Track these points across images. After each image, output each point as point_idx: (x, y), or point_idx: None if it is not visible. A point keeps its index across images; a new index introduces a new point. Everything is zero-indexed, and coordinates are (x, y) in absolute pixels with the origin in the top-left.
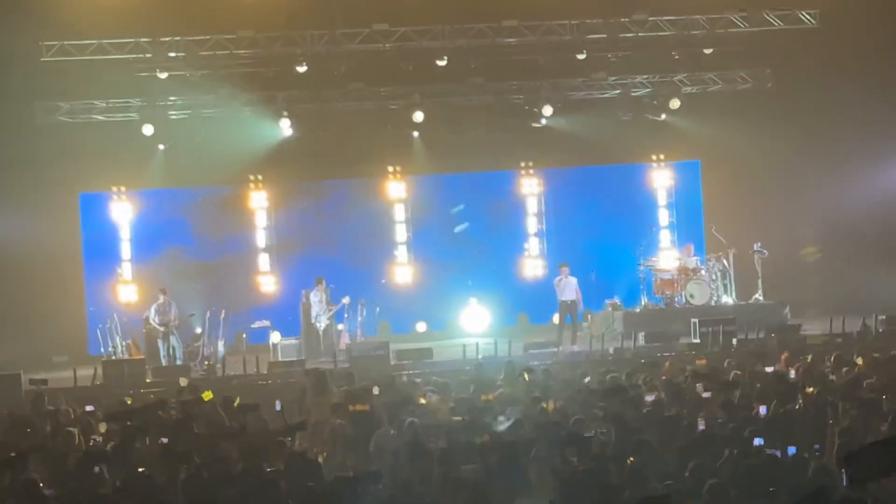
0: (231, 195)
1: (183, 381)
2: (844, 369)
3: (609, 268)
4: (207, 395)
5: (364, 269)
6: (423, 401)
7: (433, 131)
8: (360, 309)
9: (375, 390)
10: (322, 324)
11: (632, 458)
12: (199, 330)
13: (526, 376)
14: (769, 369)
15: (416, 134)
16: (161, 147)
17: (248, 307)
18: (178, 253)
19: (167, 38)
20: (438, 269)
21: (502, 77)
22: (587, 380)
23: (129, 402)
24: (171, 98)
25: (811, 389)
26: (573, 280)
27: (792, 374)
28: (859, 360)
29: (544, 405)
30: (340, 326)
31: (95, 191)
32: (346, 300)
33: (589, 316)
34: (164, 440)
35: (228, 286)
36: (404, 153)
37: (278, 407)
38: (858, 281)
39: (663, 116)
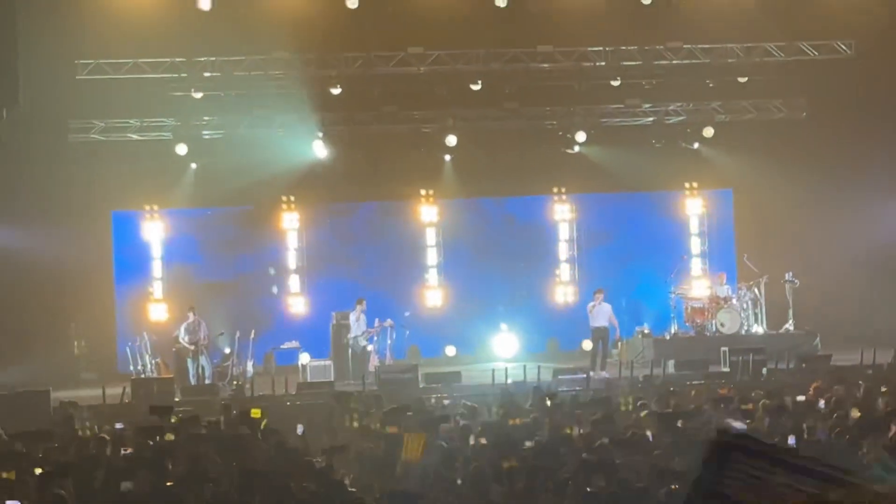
0: (262, 215)
1: (255, 413)
2: (879, 401)
3: (640, 295)
4: (256, 413)
5: (394, 291)
6: (450, 424)
7: (466, 155)
8: (389, 332)
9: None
10: (361, 344)
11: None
12: (227, 350)
13: (548, 401)
14: (799, 398)
15: (447, 157)
16: (193, 166)
17: (277, 327)
18: (207, 272)
19: (203, 59)
20: (468, 294)
21: (536, 102)
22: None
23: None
24: (206, 118)
25: (857, 413)
26: (607, 306)
27: (821, 404)
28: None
29: (568, 431)
30: (370, 348)
31: (128, 209)
32: (388, 323)
33: (619, 343)
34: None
35: (258, 306)
36: (436, 176)
37: (300, 430)
38: (891, 312)
39: (696, 145)
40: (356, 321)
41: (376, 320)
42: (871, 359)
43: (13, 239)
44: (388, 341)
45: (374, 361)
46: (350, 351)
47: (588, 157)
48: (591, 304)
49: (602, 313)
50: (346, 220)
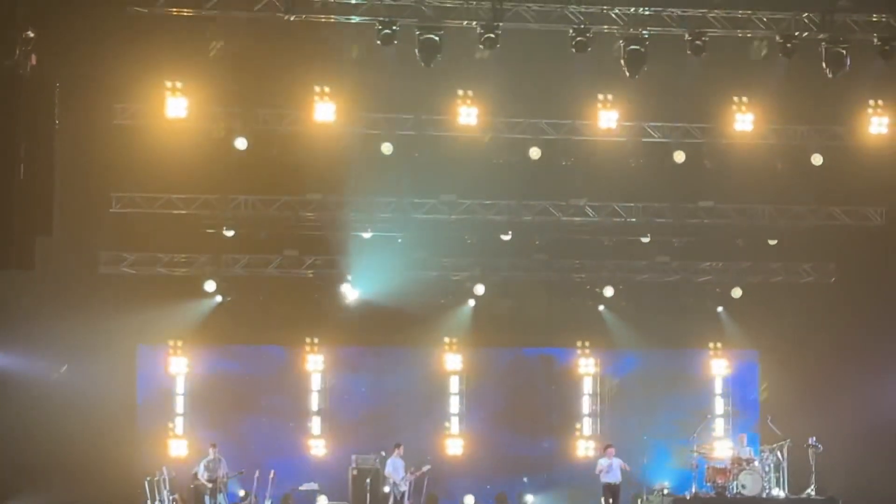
0: (286, 355)
1: None
2: None
3: (661, 453)
4: None
5: (414, 438)
6: None
7: (492, 304)
8: (407, 477)
9: None
10: (401, 490)
11: None
12: (241, 493)
13: None
14: None
15: (471, 302)
16: (219, 301)
17: (296, 468)
18: (230, 409)
19: (236, 196)
20: (490, 443)
21: (565, 255)
22: None
23: None
24: (235, 255)
25: None
26: (618, 461)
27: None
28: None
29: None
30: (386, 489)
31: (153, 343)
32: (426, 469)
33: (639, 500)
34: None
35: (279, 446)
36: (461, 324)
37: None
38: None
39: (720, 309)
40: (400, 467)
41: (427, 466)
42: None
43: (38, 368)
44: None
45: None
46: (392, 497)
47: (614, 311)
48: (604, 460)
49: (613, 470)
50: (370, 365)
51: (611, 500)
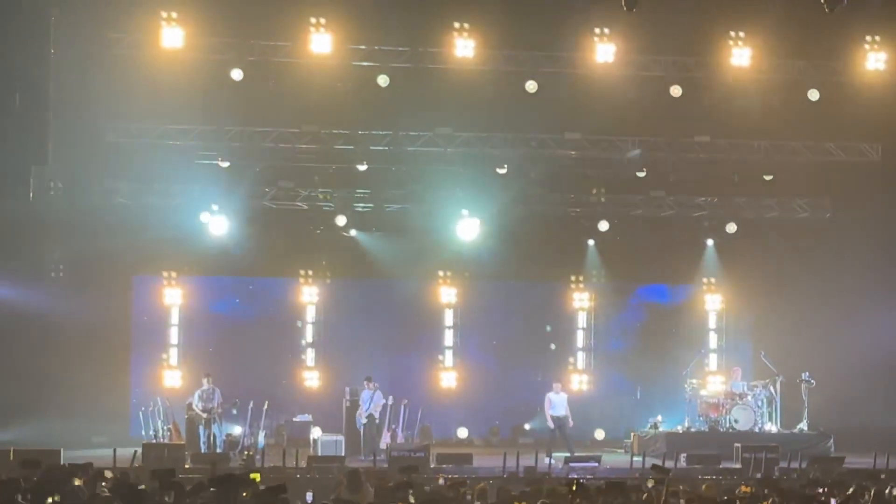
0: (281, 287)
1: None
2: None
3: (655, 387)
4: (256, 477)
5: (408, 370)
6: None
7: (487, 238)
8: (402, 410)
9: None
10: (362, 422)
11: None
12: (238, 429)
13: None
14: None
15: (466, 235)
16: (216, 235)
17: (290, 400)
18: (224, 340)
19: (231, 128)
20: (483, 376)
21: (561, 189)
22: None
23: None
24: (231, 187)
25: None
26: (565, 395)
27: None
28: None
29: None
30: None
31: (149, 274)
32: (386, 399)
33: (632, 434)
34: None
35: (273, 377)
36: (455, 258)
37: (309, 499)
38: None
39: (710, 242)
40: (363, 400)
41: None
42: (885, 463)
43: (33, 297)
44: (401, 419)
45: (385, 439)
46: (363, 428)
47: (608, 245)
48: (552, 394)
49: (560, 402)
50: (364, 298)
51: (557, 432)
